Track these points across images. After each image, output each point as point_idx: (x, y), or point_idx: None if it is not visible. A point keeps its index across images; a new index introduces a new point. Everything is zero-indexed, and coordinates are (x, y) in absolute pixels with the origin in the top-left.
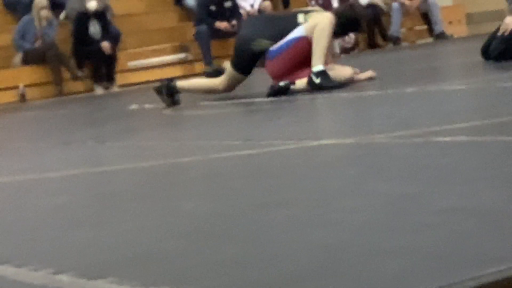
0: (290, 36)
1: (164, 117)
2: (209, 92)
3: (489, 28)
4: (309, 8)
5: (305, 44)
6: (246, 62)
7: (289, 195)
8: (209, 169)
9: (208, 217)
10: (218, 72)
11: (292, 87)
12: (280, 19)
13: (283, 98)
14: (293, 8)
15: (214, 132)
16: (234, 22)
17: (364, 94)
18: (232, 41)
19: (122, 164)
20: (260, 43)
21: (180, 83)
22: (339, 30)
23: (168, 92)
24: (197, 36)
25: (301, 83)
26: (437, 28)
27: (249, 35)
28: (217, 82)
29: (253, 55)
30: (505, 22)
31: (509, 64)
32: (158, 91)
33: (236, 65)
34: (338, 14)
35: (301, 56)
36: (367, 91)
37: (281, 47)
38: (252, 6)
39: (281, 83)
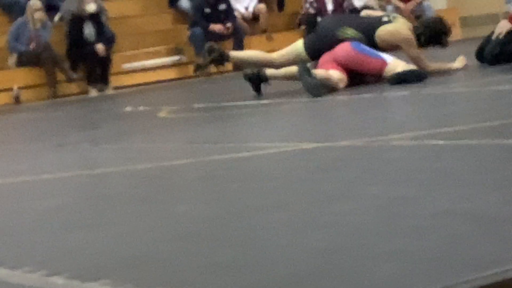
0: (379, 52)
1: (158, 119)
2: (265, 65)
3: (483, 31)
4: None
5: (381, 66)
6: (322, 46)
7: (284, 198)
8: (204, 172)
9: (202, 220)
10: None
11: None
12: (364, 18)
13: (279, 100)
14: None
15: (208, 135)
16: (228, 24)
17: (359, 97)
18: (226, 44)
19: (117, 166)
20: (346, 31)
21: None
22: (424, 41)
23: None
24: (192, 39)
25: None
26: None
27: (335, 23)
28: (275, 56)
29: (335, 41)
30: (499, 25)
31: (503, 67)
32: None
33: (309, 47)
34: (426, 25)
35: (368, 70)
36: (363, 93)
37: (370, 51)
38: (246, 8)
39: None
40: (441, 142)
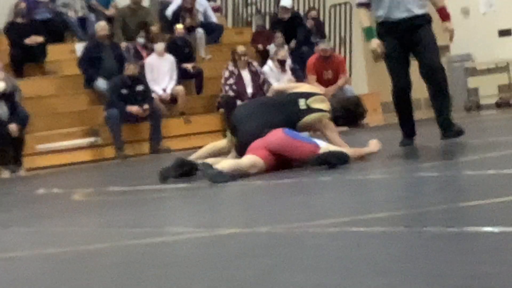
0: (312, 138)
1: (73, 202)
2: (219, 154)
3: None
4: (303, 89)
5: (314, 151)
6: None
7: (202, 286)
8: (120, 257)
9: None
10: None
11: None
12: (280, 107)
13: (197, 185)
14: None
15: (124, 219)
16: (145, 106)
17: (279, 182)
18: (143, 126)
19: (29, 250)
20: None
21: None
22: (341, 123)
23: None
24: (108, 120)
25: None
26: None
27: (259, 128)
28: (223, 144)
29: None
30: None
31: (427, 153)
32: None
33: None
34: (343, 106)
35: (301, 155)
36: (283, 179)
37: (302, 137)
38: (164, 90)
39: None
40: (362, 229)
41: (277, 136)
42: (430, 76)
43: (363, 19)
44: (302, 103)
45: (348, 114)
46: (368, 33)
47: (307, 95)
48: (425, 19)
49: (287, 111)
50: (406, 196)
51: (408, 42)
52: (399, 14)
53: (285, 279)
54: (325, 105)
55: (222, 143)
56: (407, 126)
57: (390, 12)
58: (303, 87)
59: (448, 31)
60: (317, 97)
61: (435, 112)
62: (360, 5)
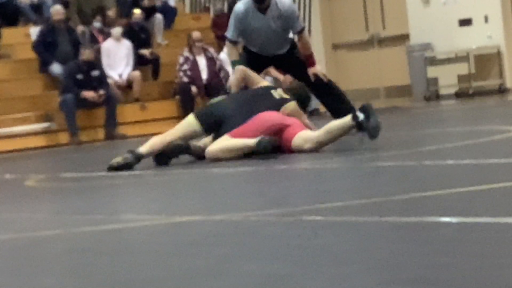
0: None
1: (26, 188)
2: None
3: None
4: (262, 84)
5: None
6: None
7: (156, 273)
8: (72, 244)
9: None
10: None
11: None
12: (259, 101)
13: (152, 172)
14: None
15: (78, 205)
16: (101, 92)
17: (235, 170)
18: (98, 111)
19: None
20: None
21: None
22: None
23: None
24: (63, 105)
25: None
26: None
27: (234, 112)
28: (168, 138)
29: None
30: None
31: (385, 143)
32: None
33: (204, 122)
34: (294, 93)
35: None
36: (239, 167)
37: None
38: (120, 75)
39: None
40: (319, 218)
41: (270, 114)
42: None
43: (231, 53)
44: (275, 94)
45: (301, 102)
46: (234, 66)
47: (274, 87)
48: (291, 47)
49: (267, 103)
50: (364, 186)
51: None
52: (270, 52)
53: (240, 268)
54: (288, 97)
55: (168, 136)
56: None
57: (261, 51)
58: (263, 82)
59: (316, 72)
60: (280, 89)
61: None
62: (228, 40)
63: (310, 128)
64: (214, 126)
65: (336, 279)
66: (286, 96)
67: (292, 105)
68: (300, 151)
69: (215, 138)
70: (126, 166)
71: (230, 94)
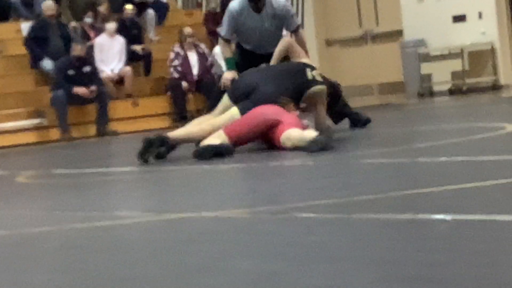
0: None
1: (17, 184)
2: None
3: (356, 102)
4: (305, 60)
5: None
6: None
7: (150, 270)
8: (64, 241)
9: None
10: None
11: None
12: (290, 75)
13: (144, 168)
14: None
15: (70, 202)
16: (93, 88)
17: (228, 167)
18: (90, 108)
19: None
20: (284, 101)
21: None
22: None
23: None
24: (54, 102)
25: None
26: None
27: (275, 94)
28: (209, 127)
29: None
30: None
31: (379, 139)
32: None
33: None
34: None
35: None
36: (231, 164)
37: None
38: (112, 70)
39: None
40: (312, 215)
41: (265, 108)
42: None
43: (224, 50)
44: (309, 73)
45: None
46: (228, 63)
47: (311, 67)
48: None
49: (297, 80)
50: (357, 183)
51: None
52: (264, 50)
53: (233, 265)
54: (322, 81)
55: (209, 126)
56: None
57: (254, 49)
58: (305, 59)
59: None
60: (317, 71)
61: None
62: (222, 38)
63: (322, 118)
64: (243, 97)
65: (329, 276)
66: (319, 78)
67: (320, 88)
68: (287, 148)
69: (239, 107)
70: (159, 155)
71: (266, 64)
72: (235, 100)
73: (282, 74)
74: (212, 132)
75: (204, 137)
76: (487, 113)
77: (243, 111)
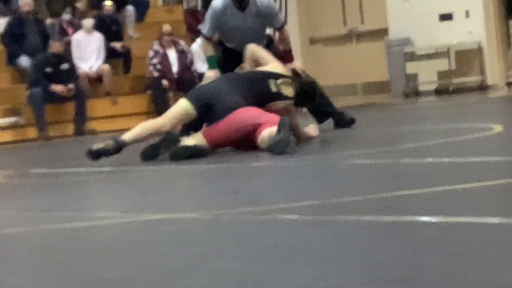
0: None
1: None
2: (155, 135)
3: (340, 102)
4: (271, 67)
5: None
6: (219, 114)
7: (128, 272)
8: (39, 242)
9: None
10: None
11: None
12: (252, 84)
13: (122, 168)
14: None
15: (46, 202)
16: (70, 85)
17: (208, 167)
18: (67, 106)
19: None
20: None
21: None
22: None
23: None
24: (31, 99)
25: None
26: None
27: (237, 103)
28: (161, 122)
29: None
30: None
31: (364, 140)
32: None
33: (198, 103)
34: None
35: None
36: (212, 164)
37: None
38: (91, 67)
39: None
40: (295, 217)
41: (245, 111)
42: None
43: (206, 49)
44: (272, 85)
45: (302, 99)
46: (210, 62)
47: (276, 76)
48: (268, 43)
49: (259, 91)
50: (341, 184)
51: None
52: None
53: (214, 267)
54: (291, 91)
55: (161, 120)
56: None
57: (237, 47)
58: (272, 65)
59: (295, 68)
60: (285, 80)
61: None
62: (204, 36)
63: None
64: (207, 107)
65: (312, 279)
66: (284, 91)
67: (282, 104)
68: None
69: (206, 121)
70: (105, 153)
71: (226, 74)
72: (199, 109)
73: (245, 84)
74: (163, 125)
75: (157, 131)
76: (474, 114)
77: (195, 101)
